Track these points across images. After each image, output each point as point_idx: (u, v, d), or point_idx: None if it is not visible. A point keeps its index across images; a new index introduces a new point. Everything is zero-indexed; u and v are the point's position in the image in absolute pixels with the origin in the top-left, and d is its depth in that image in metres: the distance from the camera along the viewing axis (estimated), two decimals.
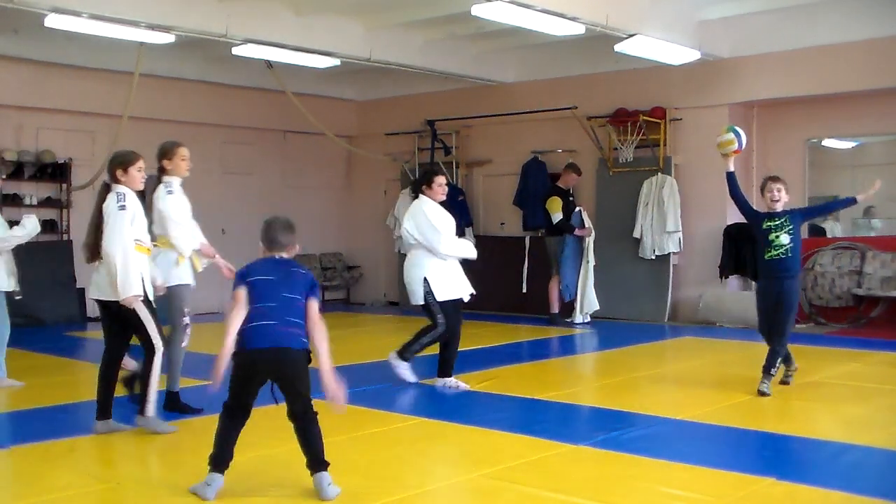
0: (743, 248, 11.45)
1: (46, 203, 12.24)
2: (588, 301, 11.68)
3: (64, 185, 12.32)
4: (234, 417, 4.57)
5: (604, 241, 12.12)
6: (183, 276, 6.27)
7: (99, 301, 5.71)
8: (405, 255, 15.07)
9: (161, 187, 6.33)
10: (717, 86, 11.76)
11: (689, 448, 5.34)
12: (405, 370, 7.41)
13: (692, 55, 11.01)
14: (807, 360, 8.58)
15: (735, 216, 11.88)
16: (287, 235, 4.63)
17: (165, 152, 6.55)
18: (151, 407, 5.68)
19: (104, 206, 5.62)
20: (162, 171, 6.34)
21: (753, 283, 11.58)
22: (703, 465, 4.84)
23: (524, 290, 12.80)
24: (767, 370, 6.86)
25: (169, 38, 9.91)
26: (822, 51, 10.95)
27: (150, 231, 6.11)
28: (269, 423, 6.22)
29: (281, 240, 4.61)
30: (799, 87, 11.27)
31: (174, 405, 6.31)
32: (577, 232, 11.66)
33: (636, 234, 12.15)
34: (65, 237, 12.30)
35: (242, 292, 4.45)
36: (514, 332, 10.95)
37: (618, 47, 10.33)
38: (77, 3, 8.77)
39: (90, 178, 11.91)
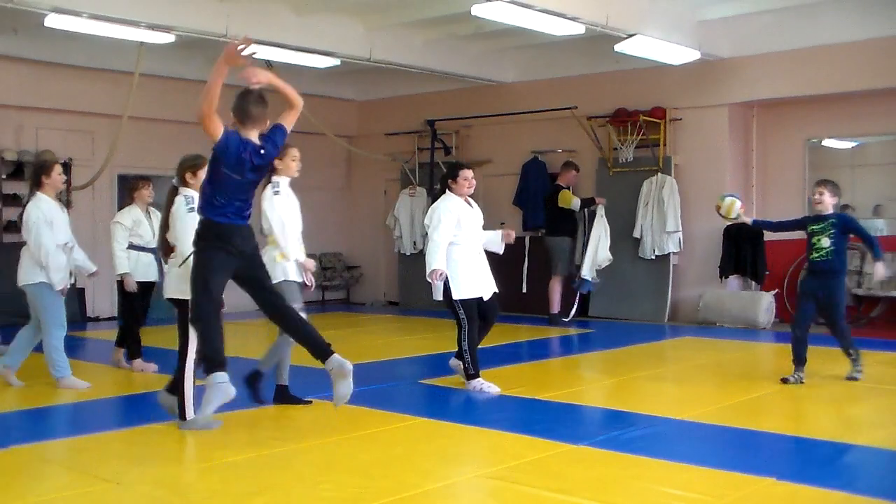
0: (743, 248, 11.46)
1: None
2: (602, 256, 11.72)
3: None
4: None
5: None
6: (289, 272, 6.31)
7: (171, 300, 5.85)
8: (405, 255, 15.13)
9: (268, 187, 6.34)
10: (717, 86, 11.77)
11: (689, 448, 5.34)
12: (481, 384, 7.02)
13: (692, 55, 11.01)
14: (807, 359, 8.58)
15: None
16: (260, 107, 5.10)
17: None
18: (190, 410, 5.74)
19: (173, 208, 5.78)
20: (273, 171, 6.32)
21: (753, 282, 11.63)
22: (703, 465, 4.84)
23: (524, 290, 12.80)
24: (850, 356, 7.37)
25: (169, 38, 9.91)
26: (822, 51, 10.95)
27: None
28: (269, 423, 6.23)
29: (257, 113, 5.12)
30: (799, 87, 11.27)
31: (283, 398, 6.46)
32: (597, 200, 11.86)
33: (636, 234, 12.15)
34: None
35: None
36: (514, 332, 10.95)
37: (618, 47, 10.34)
38: (77, 3, 8.76)
39: (90, 178, 11.92)
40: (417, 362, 8.78)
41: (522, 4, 8.60)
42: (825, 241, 7.20)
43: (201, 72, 13.02)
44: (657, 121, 12.00)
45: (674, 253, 12.03)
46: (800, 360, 7.35)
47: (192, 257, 5.34)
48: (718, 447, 5.45)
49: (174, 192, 5.94)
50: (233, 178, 5.18)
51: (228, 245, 5.23)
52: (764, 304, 11.12)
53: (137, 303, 8.23)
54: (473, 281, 7.00)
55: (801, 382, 7.27)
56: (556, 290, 11.82)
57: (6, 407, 6.54)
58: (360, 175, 15.65)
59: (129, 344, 8.27)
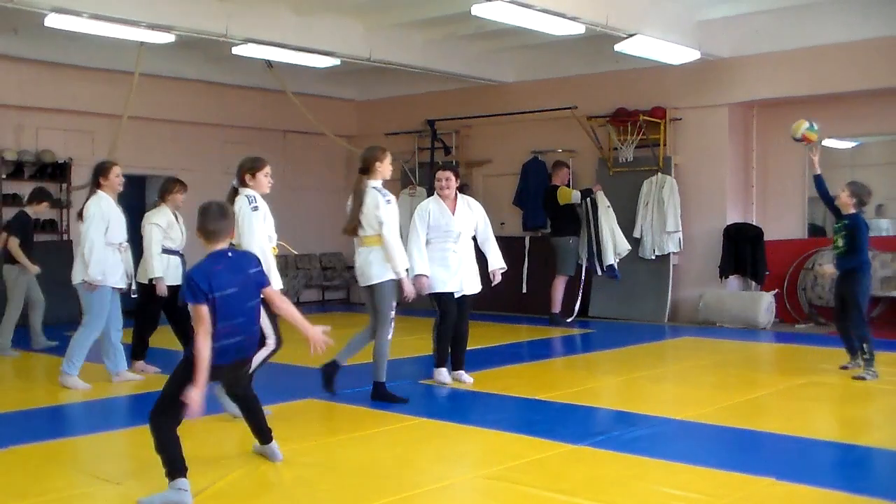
0: (743, 248, 11.46)
1: None
2: (622, 246, 11.87)
3: (64, 185, 12.31)
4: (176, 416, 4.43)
5: None
6: (390, 272, 6.57)
7: None
8: None
9: (376, 193, 6.61)
10: (717, 86, 11.77)
11: (689, 448, 5.34)
12: (440, 374, 7.43)
13: (692, 55, 11.01)
14: (807, 360, 8.59)
15: (735, 216, 11.92)
16: (221, 222, 4.48)
17: (372, 159, 6.70)
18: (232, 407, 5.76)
19: (236, 208, 5.78)
20: (364, 173, 6.69)
21: (753, 282, 11.63)
22: (703, 465, 4.84)
23: (524, 290, 12.80)
24: (864, 358, 7.51)
25: (169, 38, 9.91)
26: (822, 51, 10.95)
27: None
28: (269, 423, 6.22)
29: (215, 229, 4.46)
30: (799, 87, 11.27)
31: (380, 395, 6.61)
32: (594, 188, 11.93)
33: (636, 234, 12.15)
34: (65, 237, 12.29)
35: (205, 310, 4.24)
36: (514, 332, 10.95)
37: (618, 47, 10.33)
38: (77, 3, 8.76)
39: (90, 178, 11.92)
40: (417, 362, 8.77)
41: (522, 4, 8.60)
42: (840, 241, 7.62)
43: (201, 72, 13.07)
44: (657, 121, 11.99)
45: (674, 253, 12.03)
46: (849, 350, 7.79)
47: None
48: (718, 447, 5.45)
49: (234, 192, 6.01)
50: None
51: None
52: (764, 304, 11.12)
53: (157, 307, 8.14)
54: (445, 278, 7.29)
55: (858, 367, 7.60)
56: (559, 289, 11.83)
57: (6, 407, 6.54)
58: None
59: (136, 344, 8.20)
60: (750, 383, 7.46)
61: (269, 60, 11.57)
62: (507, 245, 13.74)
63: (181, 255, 8.16)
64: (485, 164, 14.03)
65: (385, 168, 6.67)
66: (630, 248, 11.93)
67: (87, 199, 7.40)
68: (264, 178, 6.06)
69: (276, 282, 5.67)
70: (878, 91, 10.80)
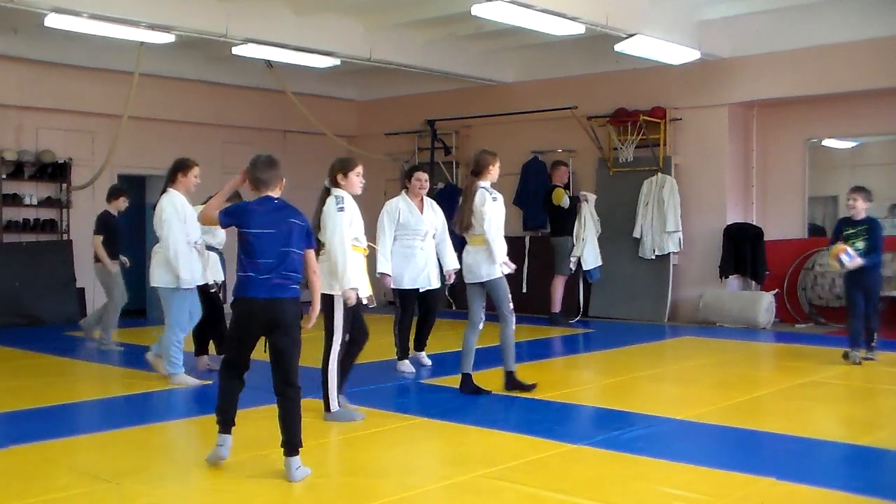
0: (743, 248, 11.46)
1: (46, 203, 12.23)
2: (588, 254, 11.92)
3: (64, 185, 12.31)
4: (232, 374, 4.88)
5: (604, 240, 12.14)
6: (500, 270, 6.99)
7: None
8: None
9: (484, 192, 6.95)
10: (717, 86, 11.76)
11: (689, 448, 5.34)
12: (402, 366, 7.99)
13: (692, 55, 11.00)
14: (807, 360, 8.59)
15: (735, 216, 11.92)
16: (269, 172, 4.88)
17: (485, 163, 7.13)
18: (334, 403, 5.99)
19: (324, 208, 5.94)
20: (475, 175, 7.08)
21: (753, 282, 11.63)
22: (703, 465, 4.84)
23: (524, 290, 12.79)
24: (871, 346, 8.26)
25: (169, 38, 9.91)
26: (822, 51, 10.95)
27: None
28: (269, 423, 6.23)
29: (264, 178, 4.87)
30: (799, 87, 11.27)
31: (513, 383, 6.92)
32: (581, 195, 11.97)
33: (636, 234, 12.15)
34: (65, 237, 12.29)
35: (231, 222, 4.82)
36: (515, 332, 10.93)
37: (618, 47, 10.33)
38: (77, 3, 8.76)
39: (90, 178, 11.92)
40: (417, 362, 8.77)
41: (522, 4, 8.60)
42: (859, 243, 8.10)
43: (201, 72, 13.07)
44: (657, 121, 11.99)
45: (674, 253, 12.03)
46: (864, 342, 8.26)
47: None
48: (718, 447, 5.45)
49: (326, 192, 6.07)
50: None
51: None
52: (764, 304, 11.11)
53: (212, 303, 8.07)
54: (412, 275, 7.80)
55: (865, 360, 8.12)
56: (558, 289, 11.83)
57: (6, 407, 6.54)
58: None
59: (198, 342, 8.19)
60: (750, 383, 7.45)
61: (269, 60, 11.57)
62: (508, 245, 13.76)
63: (220, 253, 8.22)
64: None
65: (495, 171, 7.10)
66: (600, 263, 11.95)
67: (161, 198, 7.38)
68: (356, 178, 6.08)
69: (350, 281, 5.77)
70: (878, 91, 10.80)
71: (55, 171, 12.26)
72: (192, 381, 7.36)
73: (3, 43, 11.33)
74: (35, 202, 12.10)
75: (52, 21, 9.05)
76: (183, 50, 11.82)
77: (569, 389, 7.29)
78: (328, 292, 5.79)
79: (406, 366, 7.96)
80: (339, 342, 5.94)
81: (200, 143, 13.71)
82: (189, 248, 7.29)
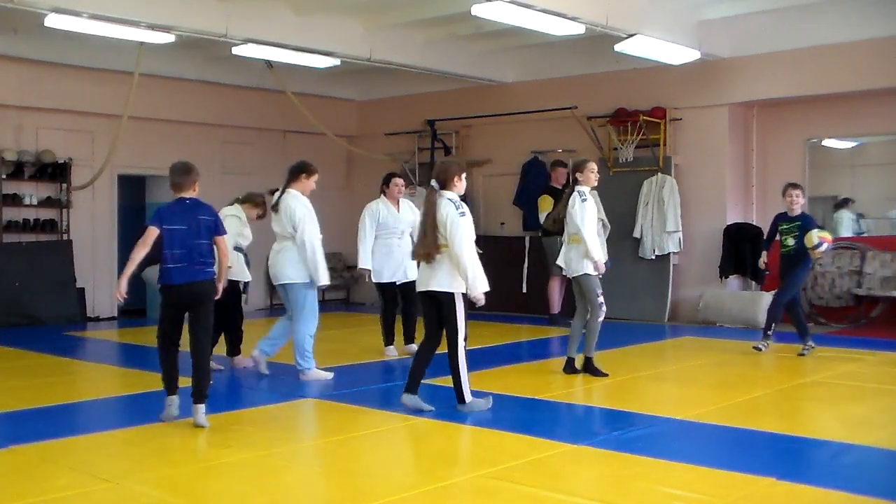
0: (743, 248, 11.46)
1: (46, 203, 12.23)
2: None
3: (64, 185, 12.31)
4: (165, 348, 5.89)
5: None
6: (591, 267, 7.60)
7: (424, 293, 6.25)
8: None
9: (576, 195, 7.58)
10: (717, 86, 11.76)
11: (689, 448, 5.34)
12: (388, 351, 8.92)
13: (692, 55, 11.00)
14: (807, 360, 8.59)
15: (735, 216, 11.92)
16: (182, 177, 5.82)
17: (577, 166, 7.72)
18: (467, 394, 6.22)
19: (445, 212, 6.13)
20: (575, 181, 7.70)
21: (753, 282, 11.63)
22: (703, 465, 4.84)
23: (524, 290, 12.80)
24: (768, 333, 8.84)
25: (169, 38, 9.91)
26: (822, 51, 10.95)
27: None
28: (269, 423, 6.23)
29: (178, 182, 5.83)
30: (799, 87, 11.27)
31: (589, 368, 7.60)
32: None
33: (636, 234, 12.15)
34: (65, 237, 12.29)
35: (154, 233, 5.70)
36: (514, 332, 10.95)
37: (618, 47, 10.33)
38: (77, 3, 8.76)
39: (90, 178, 11.91)
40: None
41: (522, 4, 8.60)
42: (789, 240, 8.60)
43: (201, 72, 13.07)
44: (657, 121, 11.99)
45: (674, 253, 12.02)
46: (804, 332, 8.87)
47: None
48: (718, 447, 5.45)
49: (433, 193, 6.30)
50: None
51: None
52: (764, 304, 11.08)
53: (239, 302, 8.09)
54: (391, 269, 8.70)
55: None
56: (554, 290, 11.80)
57: (6, 407, 6.54)
58: (360, 175, 15.63)
59: (233, 342, 8.14)
60: (750, 383, 7.45)
61: (269, 60, 11.56)
62: (508, 245, 13.84)
63: (245, 254, 8.23)
64: (485, 164, 14.03)
65: (590, 176, 7.66)
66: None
67: (284, 199, 7.44)
68: (460, 183, 6.43)
69: (483, 284, 6.15)
70: (878, 91, 10.79)
71: (55, 171, 12.25)
72: (325, 375, 7.46)
73: (3, 43, 11.33)
74: (35, 202, 12.09)
75: (52, 21, 9.04)
76: (183, 50, 11.82)
77: (569, 389, 7.29)
78: (448, 290, 6.13)
79: (391, 350, 8.87)
80: (463, 336, 6.23)
81: (200, 143, 13.71)
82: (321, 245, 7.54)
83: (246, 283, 8.08)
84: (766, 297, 11.17)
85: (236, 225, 7.89)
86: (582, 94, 12.60)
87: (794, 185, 8.80)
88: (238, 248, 8.00)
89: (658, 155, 12.07)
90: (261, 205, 8.37)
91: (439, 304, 6.18)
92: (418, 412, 6.13)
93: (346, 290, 15.68)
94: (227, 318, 7.83)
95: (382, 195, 8.93)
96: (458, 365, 6.21)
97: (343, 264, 15.53)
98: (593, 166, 7.65)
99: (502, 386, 7.13)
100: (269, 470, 4.84)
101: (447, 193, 6.24)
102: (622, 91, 12.34)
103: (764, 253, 9.18)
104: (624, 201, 12.24)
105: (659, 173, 12.05)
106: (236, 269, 7.80)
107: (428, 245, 6.12)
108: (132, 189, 13.69)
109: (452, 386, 6.24)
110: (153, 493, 4.46)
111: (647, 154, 12.13)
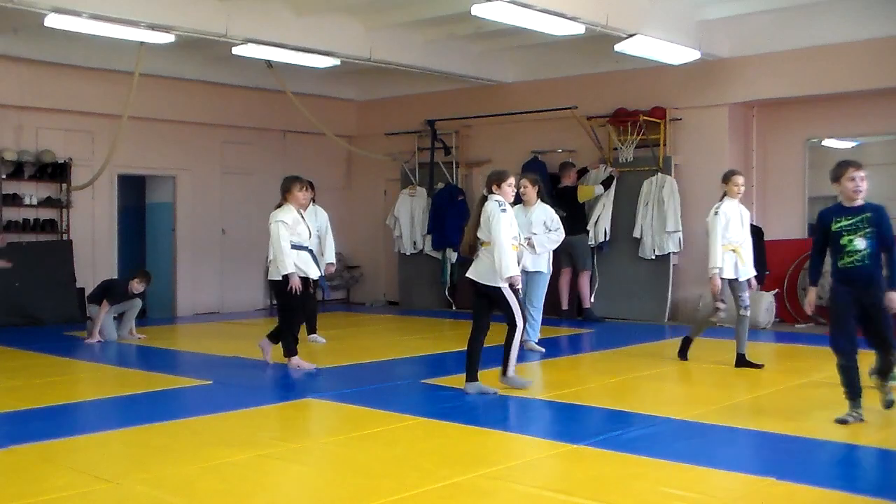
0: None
1: (46, 203, 12.23)
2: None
3: (64, 185, 12.31)
4: None
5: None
6: (730, 271, 8.14)
7: (474, 283, 6.89)
8: (405, 255, 15.23)
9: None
10: (717, 86, 11.77)
11: (689, 448, 5.33)
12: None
13: (692, 55, 11.01)
14: (807, 360, 8.59)
15: None
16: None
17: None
18: (511, 369, 6.95)
19: (488, 209, 6.84)
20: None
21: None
22: (703, 465, 4.84)
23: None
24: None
25: (169, 38, 9.91)
26: (822, 51, 10.95)
27: None
28: (269, 423, 6.23)
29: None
30: (799, 87, 11.27)
31: (741, 363, 8.01)
32: (613, 174, 12.30)
33: (636, 234, 12.15)
34: (65, 237, 12.29)
35: None
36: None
37: (618, 47, 10.33)
38: (77, 3, 8.76)
39: (90, 178, 11.91)
40: (417, 362, 8.78)
41: (522, 4, 8.60)
42: (858, 243, 5.82)
43: (201, 72, 13.07)
44: (657, 121, 11.99)
45: (674, 253, 12.03)
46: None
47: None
48: (718, 447, 5.45)
49: (484, 199, 6.98)
50: None
51: None
52: (764, 304, 11.11)
53: (297, 301, 8.07)
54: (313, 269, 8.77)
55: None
56: (585, 285, 12.10)
57: (6, 407, 6.54)
58: (360, 175, 15.65)
59: (289, 342, 8.14)
60: (750, 383, 7.45)
61: (269, 60, 11.57)
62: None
63: (310, 251, 8.29)
64: (485, 164, 14.02)
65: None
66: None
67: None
68: (508, 188, 6.99)
69: (510, 269, 6.68)
70: (878, 91, 10.80)
71: (55, 171, 12.25)
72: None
73: (3, 43, 11.33)
74: (35, 202, 12.10)
75: (52, 21, 9.04)
76: (183, 50, 11.82)
77: (569, 389, 7.29)
78: (492, 284, 6.78)
79: (317, 337, 9.71)
80: (521, 319, 6.87)
81: (200, 143, 13.72)
82: None
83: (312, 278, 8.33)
84: (767, 297, 11.19)
85: (285, 230, 8.02)
86: (582, 94, 12.60)
87: (856, 165, 6.14)
88: (300, 247, 8.16)
89: (658, 155, 12.07)
90: (301, 189, 8.48)
91: (487, 297, 6.86)
92: (483, 394, 6.77)
93: (346, 290, 15.68)
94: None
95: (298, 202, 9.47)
96: (511, 344, 6.89)
97: (343, 264, 15.53)
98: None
99: (502, 386, 7.13)
100: (269, 470, 4.84)
101: (494, 196, 6.92)
102: (622, 91, 12.34)
103: (812, 290, 6.27)
104: (624, 201, 12.25)
105: (659, 173, 12.05)
106: (304, 267, 8.15)
107: (469, 240, 6.92)
108: (132, 189, 13.69)
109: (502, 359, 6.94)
110: (153, 493, 4.46)
111: (647, 154, 12.13)
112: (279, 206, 8.27)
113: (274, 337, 8.31)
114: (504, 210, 6.83)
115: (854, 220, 6.00)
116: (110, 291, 10.12)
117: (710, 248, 8.14)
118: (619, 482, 4.62)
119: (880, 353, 6.12)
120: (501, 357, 6.98)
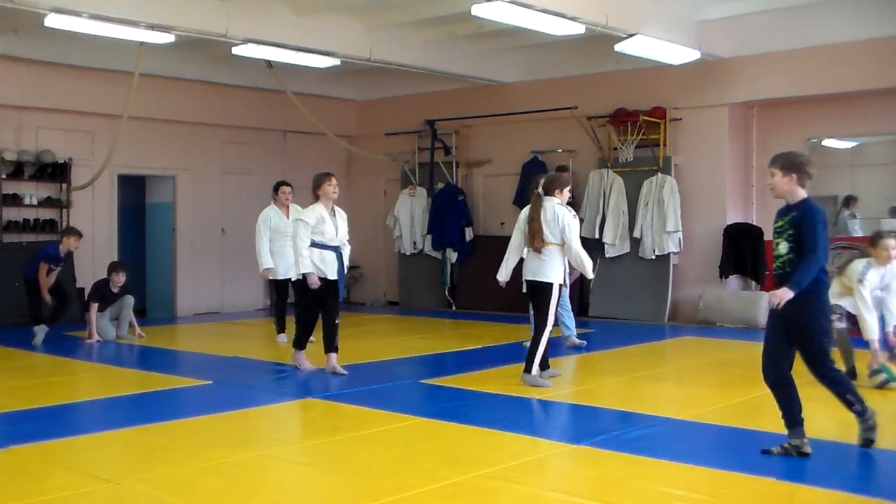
0: (743, 248, 11.46)
1: (46, 203, 12.22)
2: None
3: (64, 185, 12.31)
4: None
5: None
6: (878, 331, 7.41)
7: (530, 282, 7.36)
8: (405, 255, 15.22)
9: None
10: (717, 86, 11.77)
11: (689, 448, 5.33)
12: (281, 337, 9.88)
13: (692, 55, 11.01)
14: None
15: (735, 216, 11.92)
16: None
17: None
18: (534, 367, 7.15)
19: (560, 214, 7.21)
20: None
21: (753, 282, 11.63)
22: (703, 465, 4.84)
23: (524, 290, 12.77)
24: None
25: (169, 38, 9.91)
26: (822, 51, 10.95)
27: None
28: (269, 423, 6.23)
29: None
30: (799, 87, 11.27)
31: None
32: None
33: (636, 234, 12.15)
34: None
35: None
36: (515, 332, 10.94)
37: (618, 47, 10.33)
38: (77, 3, 8.76)
39: (90, 178, 11.91)
40: (417, 362, 8.78)
41: (522, 4, 8.60)
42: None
43: (201, 72, 13.08)
44: (657, 121, 12.00)
45: (674, 253, 12.03)
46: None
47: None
48: (718, 447, 5.45)
49: (539, 199, 7.35)
50: None
51: None
52: (764, 304, 11.10)
53: (312, 300, 7.90)
54: (283, 267, 9.49)
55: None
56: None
57: (6, 407, 6.54)
58: (360, 175, 15.65)
59: (299, 337, 8.07)
60: (750, 383, 7.43)
61: (269, 60, 11.57)
62: (508, 245, 13.78)
63: (335, 250, 7.92)
64: (485, 164, 14.04)
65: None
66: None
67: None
68: (568, 194, 7.42)
69: (591, 270, 7.39)
70: (878, 91, 10.80)
71: (55, 171, 12.25)
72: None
73: (3, 43, 11.32)
74: (35, 202, 12.09)
75: (52, 21, 9.04)
76: (183, 50, 11.82)
77: (569, 389, 7.30)
78: (549, 280, 7.21)
79: (282, 338, 9.77)
80: (552, 323, 7.20)
81: (200, 143, 13.72)
82: None
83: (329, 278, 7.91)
84: (766, 297, 11.17)
85: (303, 229, 7.80)
86: (582, 94, 12.60)
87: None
88: (323, 246, 7.84)
89: (658, 155, 12.07)
90: (328, 181, 8.07)
91: (533, 292, 7.26)
92: (536, 386, 7.06)
93: (346, 290, 15.67)
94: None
95: (273, 202, 9.86)
96: (537, 344, 7.16)
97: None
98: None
99: (503, 386, 7.13)
100: (269, 470, 4.84)
101: (554, 199, 7.27)
102: (622, 91, 12.34)
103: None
104: (624, 201, 12.25)
105: (659, 173, 12.05)
106: (328, 267, 7.81)
107: (538, 241, 7.21)
108: (132, 189, 13.69)
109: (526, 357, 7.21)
110: (153, 493, 4.46)
111: (647, 154, 12.13)
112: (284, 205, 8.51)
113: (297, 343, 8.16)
114: (575, 216, 7.31)
115: (781, 223, 5.15)
116: (94, 292, 10.23)
117: (860, 319, 7.02)
118: (619, 482, 4.62)
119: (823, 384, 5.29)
120: (525, 356, 7.24)
